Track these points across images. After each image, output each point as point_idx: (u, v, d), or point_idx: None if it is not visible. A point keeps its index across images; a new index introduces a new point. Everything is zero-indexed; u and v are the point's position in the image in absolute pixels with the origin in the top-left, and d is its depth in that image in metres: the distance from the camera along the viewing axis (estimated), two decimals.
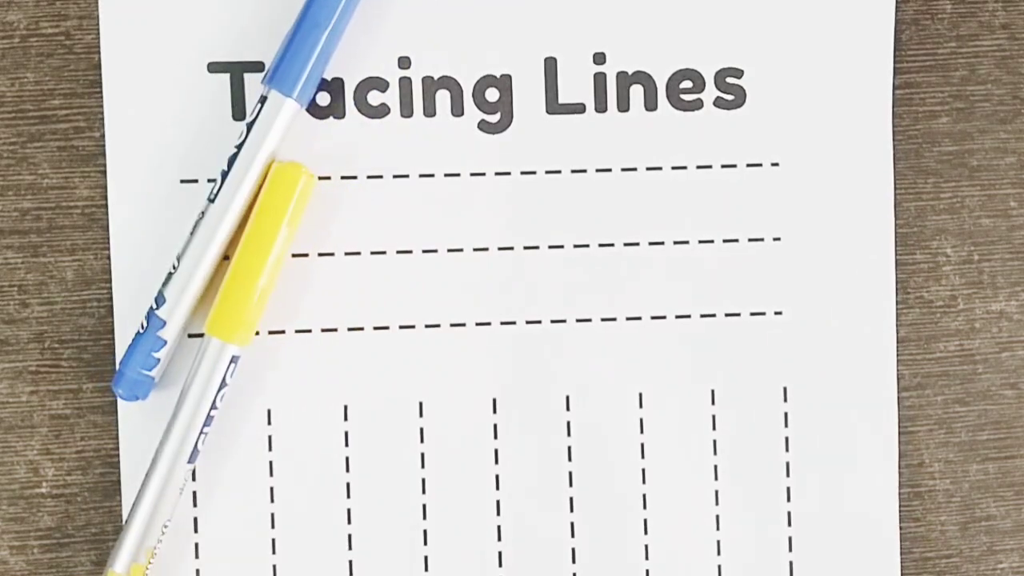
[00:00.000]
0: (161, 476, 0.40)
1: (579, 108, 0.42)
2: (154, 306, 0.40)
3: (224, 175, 0.40)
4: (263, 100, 0.40)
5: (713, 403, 0.42)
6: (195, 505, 0.41)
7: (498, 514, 0.42)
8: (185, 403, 0.40)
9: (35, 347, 0.41)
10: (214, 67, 0.41)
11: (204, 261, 0.40)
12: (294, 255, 0.41)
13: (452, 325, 0.42)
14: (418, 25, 0.41)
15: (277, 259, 0.40)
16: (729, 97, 0.42)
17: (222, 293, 0.40)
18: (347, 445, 0.42)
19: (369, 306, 0.41)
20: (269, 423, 0.41)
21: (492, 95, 0.42)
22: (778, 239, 0.42)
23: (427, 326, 0.42)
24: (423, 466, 0.42)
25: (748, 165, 0.42)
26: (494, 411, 0.42)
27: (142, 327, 0.40)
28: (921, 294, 0.43)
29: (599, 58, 0.42)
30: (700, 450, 0.42)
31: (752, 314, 0.42)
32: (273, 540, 0.42)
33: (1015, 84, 0.43)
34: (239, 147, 0.40)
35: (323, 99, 0.41)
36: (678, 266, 0.42)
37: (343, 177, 0.41)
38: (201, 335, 0.40)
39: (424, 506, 0.42)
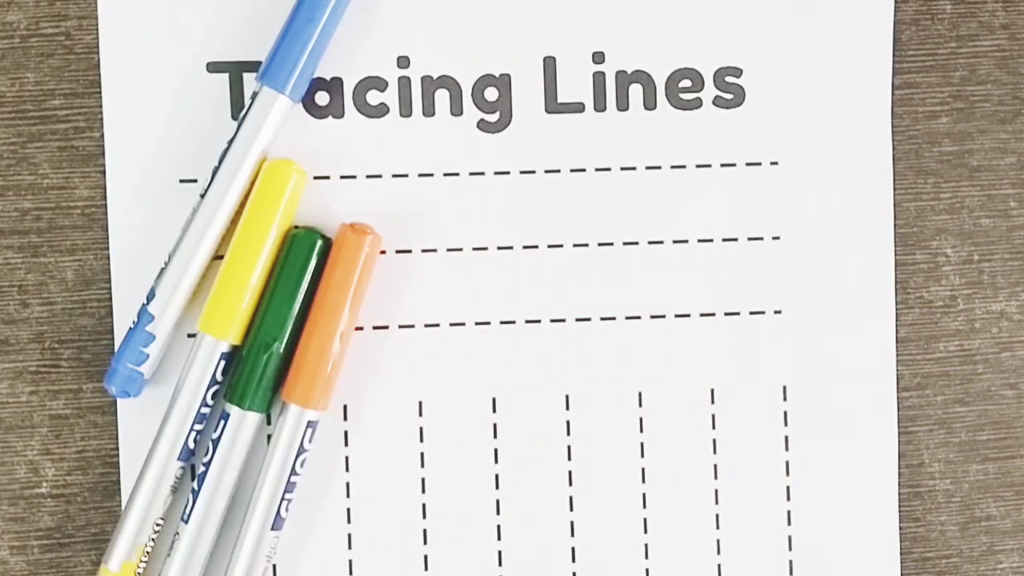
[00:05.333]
0: (153, 474, 0.40)
1: (578, 107, 0.42)
2: (145, 302, 0.40)
3: (215, 171, 0.40)
4: (255, 96, 0.40)
5: (713, 402, 0.42)
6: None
7: (498, 514, 0.42)
8: (177, 401, 0.40)
9: (35, 347, 0.41)
10: (213, 67, 0.41)
11: (195, 257, 0.40)
12: None
13: (451, 325, 0.42)
14: (417, 24, 0.41)
15: (269, 256, 0.40)
16: (728, 96, 0.42)
17: (214, 290, 0.40)
18: (347, 445, 0.42)
19: (368, 306, 0.41)
20: (268, 423, 0.41)
21: (491, 94, 0.42)
22: (777, 238, 0.42)
23: (426, 325, 0.42)
24: (423, 466, 0.42)
25: (747, 164, 0.42)
26: (494, 411, 0.42)
27: (133, 323, 0.40)
28: (921, 294, 0.43)
29: (598, 57, 0.42)
30: (700, 450, 0.42)
31: (751, 313, 0.42)
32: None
33: (1015, 84, 0.43)
34: (230, 143, 0.40)
35: (322, 99, 0.41)
36: (677, 265, 0.42)
37: (342, 177, 0.41)
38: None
39: (424, 506, 0.42)
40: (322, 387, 0.40)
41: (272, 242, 0.40)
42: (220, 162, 0.40)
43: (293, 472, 0.40)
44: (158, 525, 0.40)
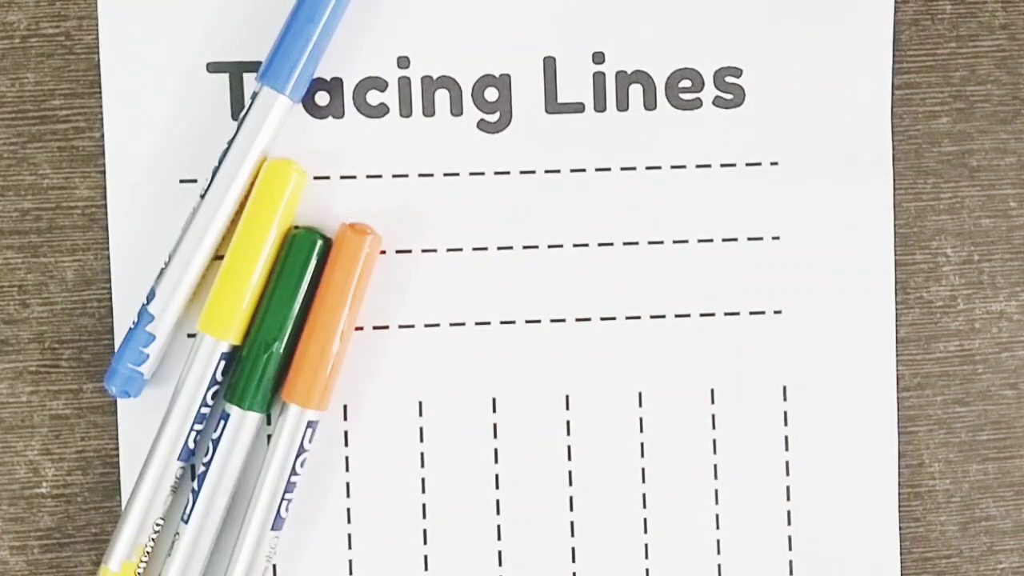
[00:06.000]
0: (153, 474, 0.40)
1: (578, 107, 0.42)
2: (145, 302, 0.40)
3: (215, 171, 0.40)
4: (255, 96, 0.40)
5: (713, 402, 0.42)
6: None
7: (498, 514, 0.42)
8: (177, 401, 0.40)
9: (35, 347, 0.41)
10: (213, 67, 0.41)
11: (195, 257, 0.40)
12: None
13: (451, 325, 0.42)
14: (417, 25, 0.41)
15: (269, 256, 0.40)
16: (728, 96, 0.42)
17: (214, 291, 0.40)
18: (347, 445, 0.42)
19: (368, 306, 0.41)
20: (268, 423, 0.41)
21: (491, 94, 0.42)
22: (777, 238, 0.42)
23: (426, 325, 0.42)
24: (423, 466, 0.42)
25: (747, 164, 0.42)
26: (494, 411, 0.42)
27: (133, 323, 0.40)
28: (921, 294, 0.43)
29: (598, 57, 0.42)
30: (700, 449, 0.42)
31: (751, 313, 0.42)
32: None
33: (1015, 84, 0.43)
34: (230, 143, 0.40)
35: (322, 99, 0.41)
36: (677, 265, 0.42)
37: (342, 177, 0.41)
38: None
39: (424, 506, 0.42)
40: (322, 387, 0.40)
41: (272, 242, 0.40)
42: (220, 162, 0.40)
43: (293, 472, 0.40)
44: (158, 525, 0.40)
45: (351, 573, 0.42)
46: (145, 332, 0.40)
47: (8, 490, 0.41)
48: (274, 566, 0.41)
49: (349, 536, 0.42)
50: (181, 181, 0.41)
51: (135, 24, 0.41)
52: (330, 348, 0.40)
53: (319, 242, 0.40)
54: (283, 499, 0.40)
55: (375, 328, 0.42)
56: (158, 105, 0.41)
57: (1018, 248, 0.43)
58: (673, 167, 0.42)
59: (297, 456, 0.40)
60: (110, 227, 0.41)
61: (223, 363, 0.40)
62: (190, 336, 0.41)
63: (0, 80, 0.41)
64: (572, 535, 0.42)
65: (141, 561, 0.40)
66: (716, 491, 0.42)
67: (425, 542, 0.42)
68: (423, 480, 0.42)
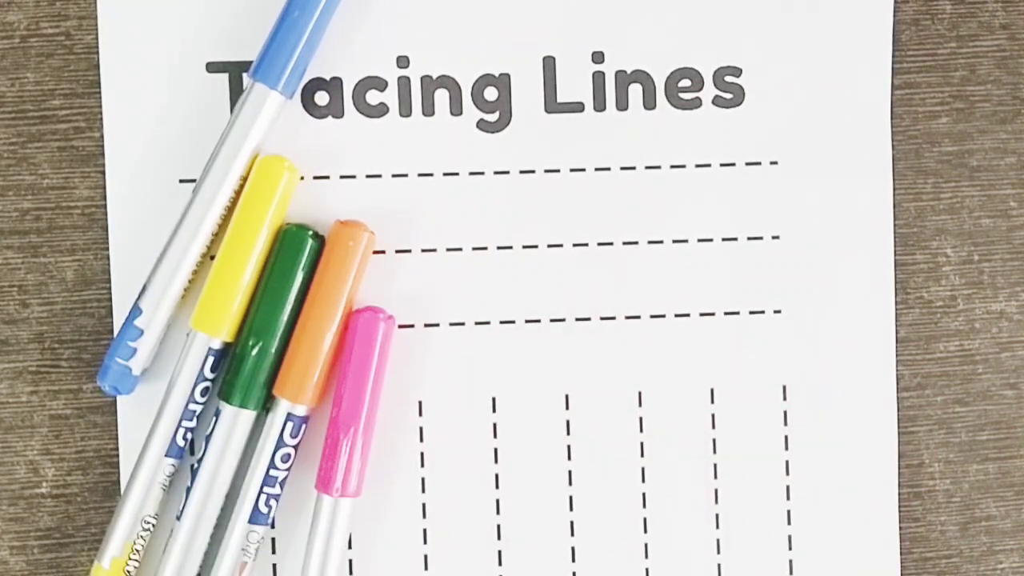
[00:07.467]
0: (143, 472, 0.40)
1: (578, 107, 0.42)
2: (137, 297, 0.40)
3: (208, 168, 0.40)
4: (247, 93, 0.40)
5: (712, 402, 0.42)
6: None
7: (498, 514, 0.42)
8: (169, 398, 0.40)
9: (35, 347, 0.41)
10: (212, 67, 0.41)
11: (187, 252, 0.40)
12: None
13: (451, 324, 0.42)
14: (417, 24, 0.41)
15: (262, 253, 0.40)
16: (728, 96, 0.42)
17: (206, 287, 0.40)
18: None
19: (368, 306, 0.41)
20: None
21: (491, 94, 0.42)
22: (777, 238, 0.42)
23: (426, 325, 0.42)
24: (422, 465, 0.42)
25: (747, 164, 0.42)
26: (493, 410, 0.42)
27: (125, 319, 0.40)
28: (921, 294, 0.43)
29: (598, 57, 0.42)
30: (700, 449, 0.42)
31: (751, 313, 0.42)
32: (273, 540, 0.42)
33: (1015, 84, 0.43)
34: (223, 139, 0.40)
35: (321, 98, 0.41)
36: (677, 265, 0.42)
37: (342, 176, 0.41)
38: None
39: (424, 505, 0.42)
40: (312, 382, 0.40)
41: (264, 238, 0.40)
42: (213, 159, 0.40)
43: (274, 467, 0.40)
44: (147, 523, 0.40)
45: (351, 572, 0.42)
46: (134, 327, 0.40)
47: (8, 490, 0.41)
48: (273, 565, 0.41)
49: (349, 536, 0.42)
50: (181, 181, 0.41)
51: (134, 24, 0.41)
52: (321, 344, 0.40)
53: (310, 238, 0.40)
54: (264, 493, 0.40)
55: None
56: (158, 105, 0.41)
57: (1018, 248, 0.43)
58: (673, 167, 0.42)
59: (278, 451, 0.40)
60: (110, 227, 0.41)
61: (212, 360, 0.40)
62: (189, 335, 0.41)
63: (0, 80, 0.41)
64: (572, 535, 0.42)
65: (130, 559, 0.40)
66: (716, 491, 0.42)
67: (425, 541, 0.42)
68: (423, 479, 0.42)
